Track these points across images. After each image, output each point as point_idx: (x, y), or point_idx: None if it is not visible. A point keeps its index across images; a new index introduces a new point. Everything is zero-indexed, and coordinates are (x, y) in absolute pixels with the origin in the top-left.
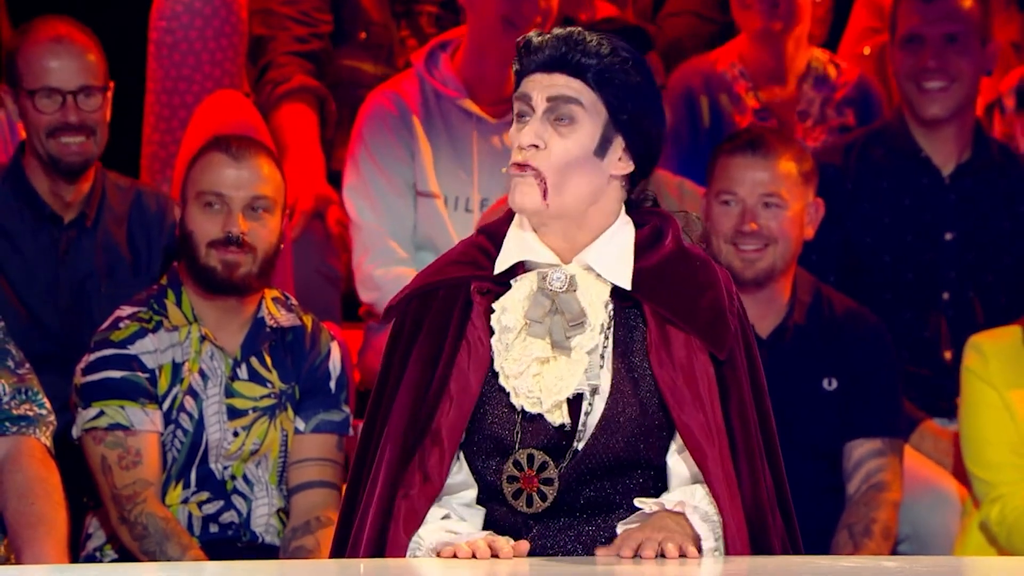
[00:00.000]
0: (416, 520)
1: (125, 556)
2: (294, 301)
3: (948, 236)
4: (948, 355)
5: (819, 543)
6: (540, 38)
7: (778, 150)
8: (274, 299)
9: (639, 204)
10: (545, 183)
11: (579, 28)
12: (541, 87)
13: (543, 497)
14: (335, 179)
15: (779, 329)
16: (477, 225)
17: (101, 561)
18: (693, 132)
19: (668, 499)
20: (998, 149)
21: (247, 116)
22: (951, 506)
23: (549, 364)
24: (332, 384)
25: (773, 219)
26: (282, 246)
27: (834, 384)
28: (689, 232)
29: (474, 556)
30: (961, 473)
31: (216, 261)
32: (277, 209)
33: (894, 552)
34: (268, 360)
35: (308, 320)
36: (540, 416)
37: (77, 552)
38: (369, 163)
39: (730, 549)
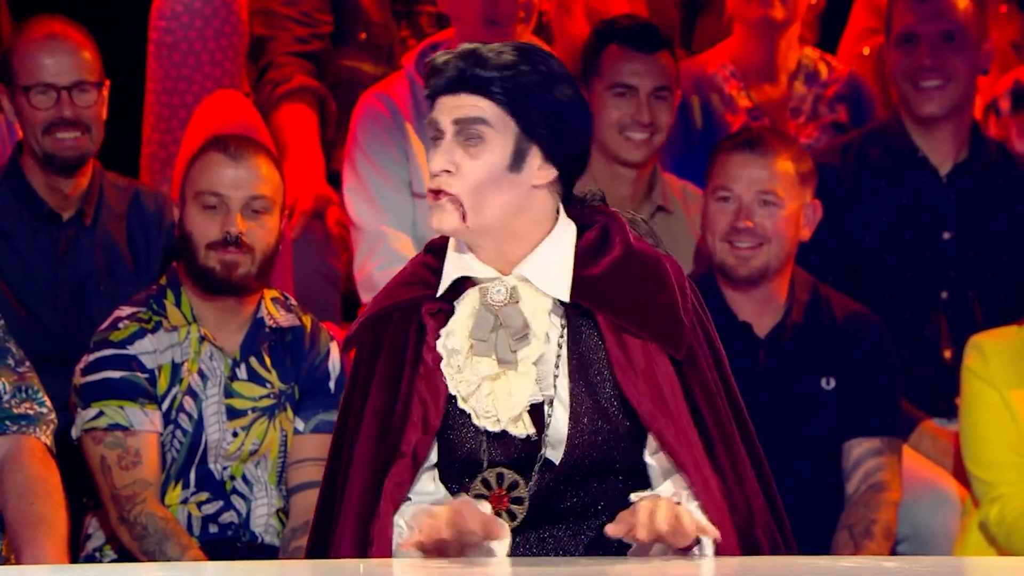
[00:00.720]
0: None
1: (125, 556)
2: (293, 301)
3: (946, 235)
4: (948, 354)
5: (819, 543)
6: (443, 59)
7: (777, 149)
8: (273, 299)
9: (586, 202)
10: (462, 206)
11: (483, 44)
12: (447, 110)
13: (512, 516)
14: (335, 179)
15: (777, 328)
16: None
17: (101, 561)
18: (685, 134)
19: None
20: (995, 149)
21: (247, 116)
22: (951, 506)
23: (499, 380)
24: (331, 384)
25: (768, 218)
26: (281, 246)
27: (832, 383)
28: (638, 233)
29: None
30: (961, 473)
31: (215, 262)
32: (275, 209)
33: (894, 552)
34: (267, 360)
35: (307, 320)
36: (505, 432)
37: (77, 552)
38: (366, 164)
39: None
